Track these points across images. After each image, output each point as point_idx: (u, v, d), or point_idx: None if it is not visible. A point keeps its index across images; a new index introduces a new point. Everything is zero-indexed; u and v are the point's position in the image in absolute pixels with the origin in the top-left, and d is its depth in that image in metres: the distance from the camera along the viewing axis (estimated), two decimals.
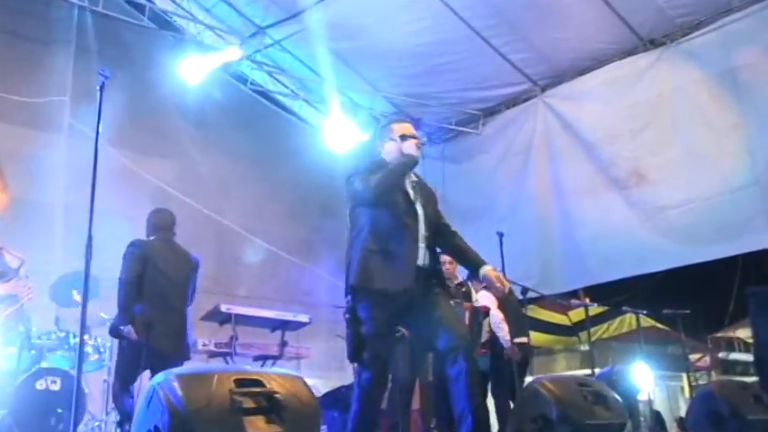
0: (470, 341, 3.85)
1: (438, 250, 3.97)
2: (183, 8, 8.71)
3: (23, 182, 7.29)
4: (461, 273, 6.21)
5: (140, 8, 8.38)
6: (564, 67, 8.71)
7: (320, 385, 7.07)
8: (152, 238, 5.28)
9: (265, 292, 8.68)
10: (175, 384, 2.67)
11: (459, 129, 9.77)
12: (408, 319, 3.80)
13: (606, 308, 10.44)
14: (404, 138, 3.88)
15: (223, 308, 6.24)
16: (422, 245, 3.77)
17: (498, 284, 3.84)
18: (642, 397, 8.30)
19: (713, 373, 14.27)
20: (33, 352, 5.68)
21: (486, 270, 3.86)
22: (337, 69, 9.08)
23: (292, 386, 2.89)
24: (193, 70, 8.17)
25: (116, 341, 5.23)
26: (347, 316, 3.72)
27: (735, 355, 15.23)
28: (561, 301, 8.89)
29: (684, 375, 12.70)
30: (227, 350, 6.20)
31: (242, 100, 9.34)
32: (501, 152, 9.40)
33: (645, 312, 8.19)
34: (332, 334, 7.43)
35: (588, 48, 8.34)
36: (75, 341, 5.76)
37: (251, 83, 9.41)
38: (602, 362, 11.82)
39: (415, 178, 3.97)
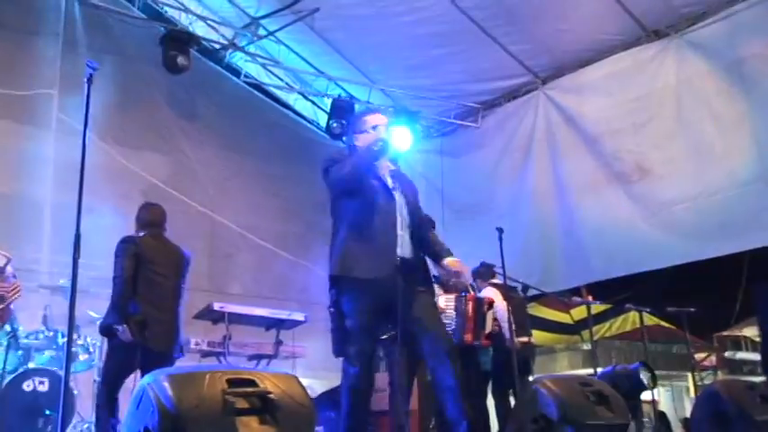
0: (451, 342, 3.95)
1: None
2: None
3: (9, 177, 7.24)
4: None
5: None
6: (565, 58, 8.53)
7: (316, 385, 7.06)
8: (142, 234, 5.12)
9: (260, 290, 8.54)
10: (166, 384, 2.64)
11: (458, 122, 9.62)
12: (392, 316, 3.78)
13: (609, 306, 10.37)
14: (376, 129, 3.97)
15: (216, 306, 6.11)
16: (401, 233, 3.81)
17: (459, 270, 3.91)
18: (646, 397, 8.17)
19: (719, 372, 14.23)
20: (21, 352, 5.66)
21: (448, 260, 3.93)
22: (333, 61, 8.95)
23: (287, 386, 2.85)
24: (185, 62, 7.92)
25: (106, 340, 5.10)
26: (331, 309, 3.82)
27: (741, 354, 15.19)
28: (563, 299, 8.75)
29: (690, 375, 12.56)
30: (220, 349, 6.11)
31: (236, 93, 9.16)
32: (501, 146, 9.24)
33: (649, 310, 8.04)
34: (328, 333, 7.25)
35: (590, 39, 8.17)
36: (63, 341, 5.71)
37: (245, 75, 9.20)
38: (605, 361, 11.80)
39: (393, 167, 4.03)
